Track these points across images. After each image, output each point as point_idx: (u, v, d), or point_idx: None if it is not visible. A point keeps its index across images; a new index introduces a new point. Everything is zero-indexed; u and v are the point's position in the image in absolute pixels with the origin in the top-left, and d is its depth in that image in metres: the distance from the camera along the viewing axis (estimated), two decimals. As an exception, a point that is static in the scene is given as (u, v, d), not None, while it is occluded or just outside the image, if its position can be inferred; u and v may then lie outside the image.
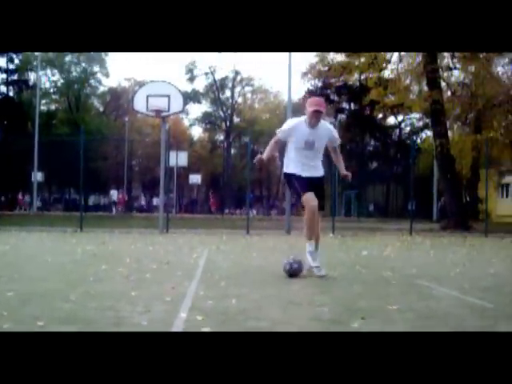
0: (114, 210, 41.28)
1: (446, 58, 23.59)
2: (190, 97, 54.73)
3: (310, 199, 6.24)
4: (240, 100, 60.43)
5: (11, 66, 52.04)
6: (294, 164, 6.40)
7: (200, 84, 58.26)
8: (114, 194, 44.65)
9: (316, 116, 6.23)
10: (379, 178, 48.90)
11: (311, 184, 6.31)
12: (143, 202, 58.88)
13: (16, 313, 3.81)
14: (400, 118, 51.14)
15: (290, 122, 6.60)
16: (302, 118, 6.36)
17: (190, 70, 56.60)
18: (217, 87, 57.92)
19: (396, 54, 23.79)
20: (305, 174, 6.34)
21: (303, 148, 6.31)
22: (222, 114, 59.10)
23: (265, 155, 6.43)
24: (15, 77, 52.63)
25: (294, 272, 6.04)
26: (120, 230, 16.64)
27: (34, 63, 47.99)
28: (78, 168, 17.71)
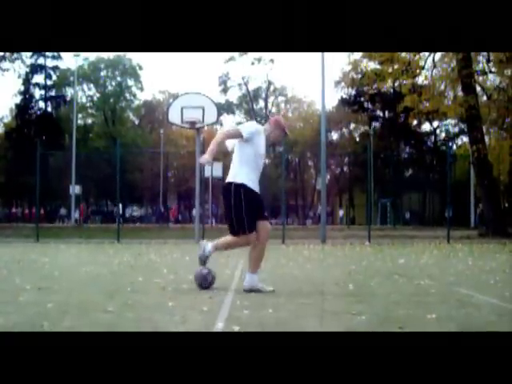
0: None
1: (480, 63, 23.31)
2: (224, 108, 55.07)
3: (252, 237, 5.55)
4: (274, 110, 60.54)
5: (49, 82, 53.23)
6: (245, 175, 5.55)
7: (233, 95, 58.53)
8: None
9: (282, 138, 6.22)
10: (415, 186, 48.38)
11: (261, 204, 5.77)
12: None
13: (55, 323, 3.87)
14: (435, 124, 50.63)
15: (255, 125, 5.79)
16: (262, 127, 5.83)
17: (223, 82, 56.99)
18: (250, 98, 58.15)
19: (430, 60, 23.62)
20: (255, 188, 5.60)
21: (260, 158, 5.70)
22: (255, 124, 59.27)
23: (210, 153, 5.43)
24: (53, 93, 53.81)
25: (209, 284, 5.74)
26: (156, 240, 16.79)
27: (71, 79, 48.98)
28: (114, 180, 17.96)
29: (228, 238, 5.68)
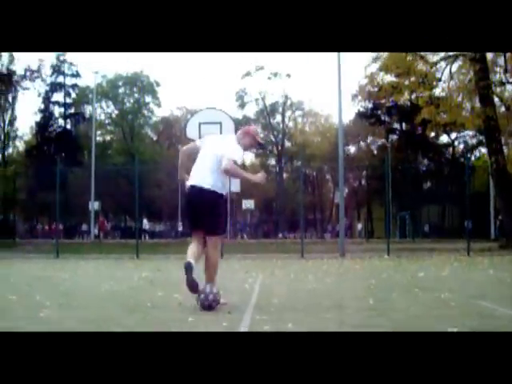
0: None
1: (498, 73, 23.19)
2: (241, 123, 55.22)
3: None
4: (291, 124, 60.62)
5: (68, 100, 53.94)
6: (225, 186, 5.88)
7: (251, 110, 58.70)
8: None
9: (255, 147, 6.19)
10: (434, 198, 48.04)
11: None
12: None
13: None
14: (453, 136, 50.35)
15: (241, 149, 5.82)
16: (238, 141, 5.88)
17: (240, 97, 57.22)
18: (267, 112, 58.28)
19: (446, 72, 23.54)
20: None
21: None
22: (273, 138, 59.33)
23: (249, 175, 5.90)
24: (72, 110, 54.54)
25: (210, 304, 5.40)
26: (175, 256, 16.82)
27: (90, 96, 49.61)
28: (133, 196, 18.04)
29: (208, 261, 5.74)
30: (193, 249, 5.58)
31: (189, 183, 5.70)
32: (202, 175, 5.63)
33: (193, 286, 5.31)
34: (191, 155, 5.89)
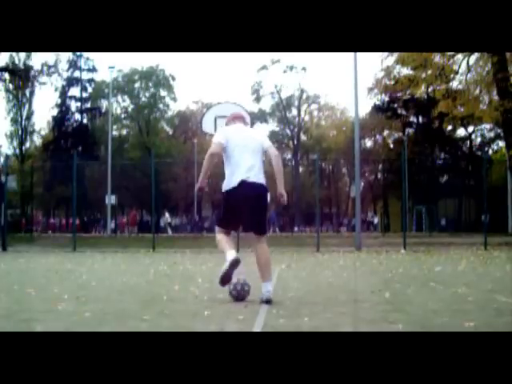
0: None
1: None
2: (257, 117, 55.20)
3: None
4: (306, 118, 60.46)
5: (85, 95, 54.30)
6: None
7: (266, 104, 58.63)
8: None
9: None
10: (450, 192, 47.69)
11: None
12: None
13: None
14: (470, 129, 49.93)
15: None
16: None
17: (256, 91, 57.17)
18: (283, 106, 58.18)
19: (464, 64, 23.34)
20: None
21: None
22: (288, 132, 59.28)
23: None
24: (88, 105, 54.91)
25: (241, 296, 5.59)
26: (191, 249, 16.89)
27: (106, 91, 49.84)
28: (149, 190, 18.10)
29: (263, 256, 5.68)
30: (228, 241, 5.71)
31: (237, 179, 5.44)
32: (253, 171, 5.45)
33: (227, 280, 5.52)
34: (219, 157, 5.75)
